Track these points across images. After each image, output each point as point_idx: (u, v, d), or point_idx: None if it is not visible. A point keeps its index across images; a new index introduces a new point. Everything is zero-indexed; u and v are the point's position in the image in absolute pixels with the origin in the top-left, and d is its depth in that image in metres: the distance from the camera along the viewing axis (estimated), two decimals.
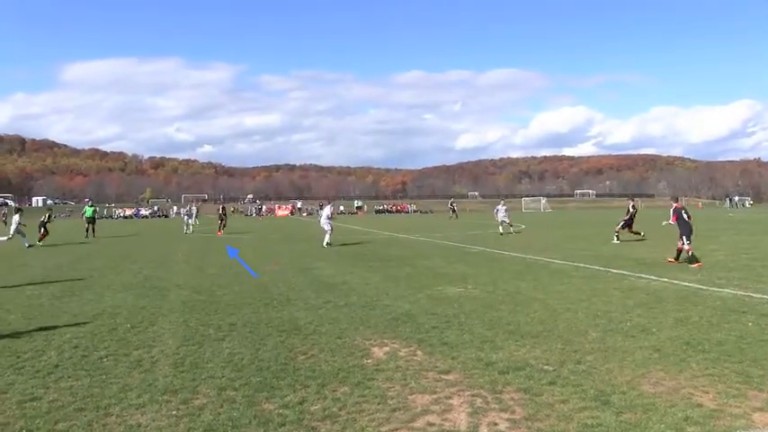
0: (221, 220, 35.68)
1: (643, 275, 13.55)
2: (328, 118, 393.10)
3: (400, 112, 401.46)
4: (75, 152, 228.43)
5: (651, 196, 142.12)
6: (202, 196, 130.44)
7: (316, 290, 12.27)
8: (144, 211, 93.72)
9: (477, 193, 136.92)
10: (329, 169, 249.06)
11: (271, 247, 24.80)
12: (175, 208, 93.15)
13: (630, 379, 6.00)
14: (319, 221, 25.56)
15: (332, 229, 24.26)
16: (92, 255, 21.97)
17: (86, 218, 32.55)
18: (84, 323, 9.21)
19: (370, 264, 17.08)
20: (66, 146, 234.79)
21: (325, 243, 23.31)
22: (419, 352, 7.21)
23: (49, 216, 29.24)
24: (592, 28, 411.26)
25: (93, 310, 10.28)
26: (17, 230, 25.70)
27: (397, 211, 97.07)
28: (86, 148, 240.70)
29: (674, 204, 16.68)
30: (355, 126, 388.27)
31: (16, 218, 26.17)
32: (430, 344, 7.55)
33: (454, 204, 63.63)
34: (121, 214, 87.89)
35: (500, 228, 30.72)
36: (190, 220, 36.58)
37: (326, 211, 25.17)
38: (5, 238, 25.37)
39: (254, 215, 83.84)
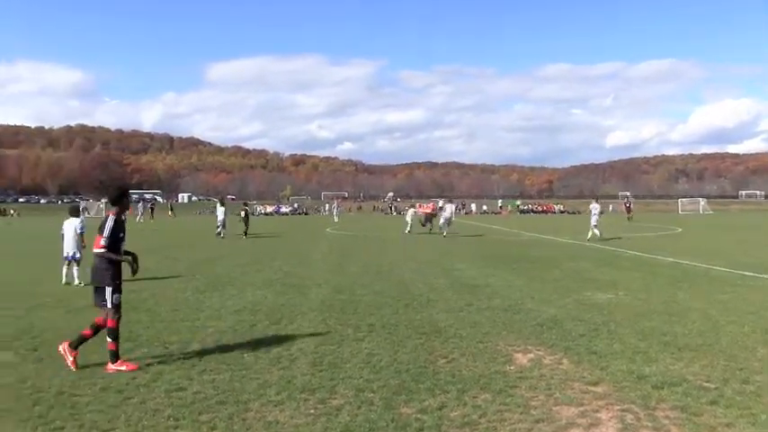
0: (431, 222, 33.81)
1: None
2: (470, 114, 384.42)
3: (546, 108, 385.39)
4: (219, 150, 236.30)
5: None
6: (342, 194, 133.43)
7: (457, 291, 12.17)
8: (284, 209, 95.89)
9: (628, 194, 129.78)
10: (471, 167, 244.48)
11: (411, 246, 24.97)
12: (327, 206, 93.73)
13: None
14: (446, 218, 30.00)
15: (449, 222, 29.86)
16: (233, 251, 22.94)
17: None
18: (226, 318, 9.58)
19: (514, 266, 16.71)
20: (210, 144, 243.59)
21: (444, 233, 29.04)
22: (565, 360, 6.91)
23: (246, 212, 32.22)
24: (756, 11, 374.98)
25: (234, 306, 10.65)
26: (224, 222, 30.03)
27: (543, 212, 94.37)
28: (229, 145, 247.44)
29: None
30: (499, 122, 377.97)
31: (222, 209, 30.51)
32: (577, 352, 7.21)
33: (630, 204, 54.90)
34: (262, 211, 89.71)
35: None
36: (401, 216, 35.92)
37: (449, 208, 30.56)
38: (220, 228, 29.86)
39: (393, 213, 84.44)
